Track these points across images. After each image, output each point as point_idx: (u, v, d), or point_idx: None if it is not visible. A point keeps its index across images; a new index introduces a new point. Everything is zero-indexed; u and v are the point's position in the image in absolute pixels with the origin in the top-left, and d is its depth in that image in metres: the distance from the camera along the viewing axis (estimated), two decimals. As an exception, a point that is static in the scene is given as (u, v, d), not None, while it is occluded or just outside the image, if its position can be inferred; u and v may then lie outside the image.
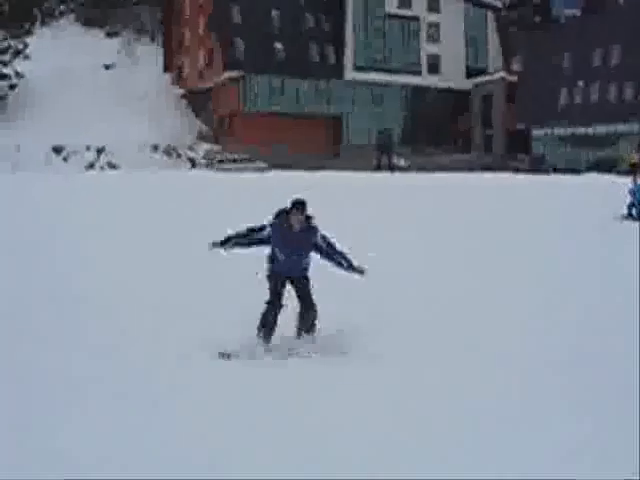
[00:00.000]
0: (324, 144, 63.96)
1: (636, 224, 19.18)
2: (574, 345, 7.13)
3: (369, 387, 5.85)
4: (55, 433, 4.92)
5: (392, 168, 42.49)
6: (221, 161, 56.65)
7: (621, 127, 57.81)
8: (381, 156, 50.52)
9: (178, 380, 6.00)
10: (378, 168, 42.40)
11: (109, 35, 76.50)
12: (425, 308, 8.51)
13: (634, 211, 21.28)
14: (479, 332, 7.48)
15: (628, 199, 21.59)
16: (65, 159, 60.43)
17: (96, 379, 5.94)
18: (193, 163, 62.53)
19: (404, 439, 4.85)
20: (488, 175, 44.25)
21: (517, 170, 53.85)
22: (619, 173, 42.32)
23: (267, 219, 6.94)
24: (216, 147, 63.77)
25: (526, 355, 6.77)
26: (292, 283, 7.14)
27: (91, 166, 60.09)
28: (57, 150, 60.75)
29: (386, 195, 28.35)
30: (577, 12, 67.85)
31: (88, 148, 62.21)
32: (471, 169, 53.78)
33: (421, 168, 54.17)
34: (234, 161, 55.43)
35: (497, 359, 6.67)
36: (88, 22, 76.99)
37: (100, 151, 62.17)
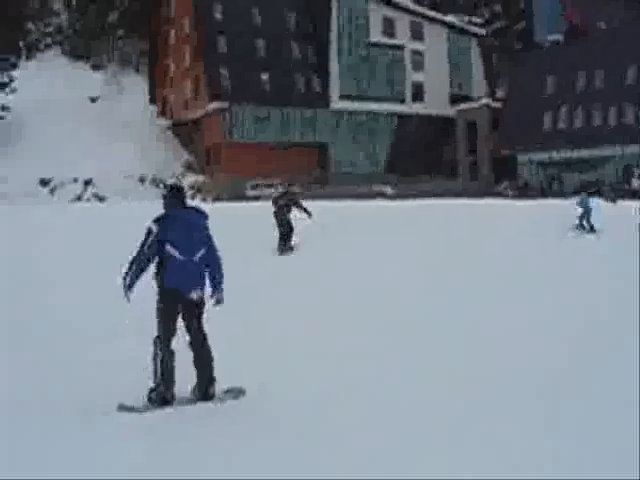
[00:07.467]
0: (311, 173, 63.89)
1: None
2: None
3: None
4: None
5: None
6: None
7: (606, 151, 58.14)
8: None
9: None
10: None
11: (94, 67, 76.66)
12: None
13: (584, 222, 22.03)
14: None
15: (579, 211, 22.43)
16: (52, 191, 60.28)
17: None
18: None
19: None
20: (474, 200, 43.93)
21: (504, 195, 53.85)
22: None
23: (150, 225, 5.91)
24: (202, 178, 63.64)
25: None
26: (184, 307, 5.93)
27: (78, 198, 59.92)
28: (44, 182, 60.62)
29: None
30: (559, 38, 68.30)
31: (75, 180, 62.07)
32: (457, 196, 53.63)
33: (407, 195, 54.04)
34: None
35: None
36: (73, 54, 77.17)
37: (87, 183, 62.04)
